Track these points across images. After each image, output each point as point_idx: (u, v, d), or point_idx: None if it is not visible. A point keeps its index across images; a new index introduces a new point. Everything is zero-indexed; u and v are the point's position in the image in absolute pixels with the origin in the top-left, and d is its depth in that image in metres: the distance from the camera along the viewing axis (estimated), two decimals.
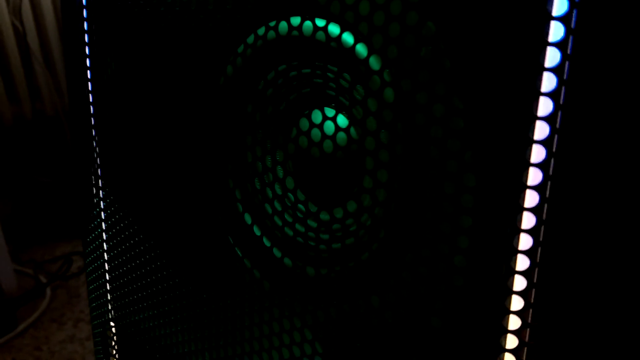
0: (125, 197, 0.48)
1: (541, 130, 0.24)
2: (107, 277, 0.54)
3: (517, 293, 0.26)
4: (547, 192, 0.24)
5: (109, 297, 0.55)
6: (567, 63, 0.22)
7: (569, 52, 0.22)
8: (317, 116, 0.33)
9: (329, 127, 0.32)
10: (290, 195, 0.35)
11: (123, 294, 0.52)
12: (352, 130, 0.31)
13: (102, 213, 0.53)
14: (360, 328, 0.32)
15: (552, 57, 0.23)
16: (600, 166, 0.24)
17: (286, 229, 0.35)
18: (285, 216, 0.36)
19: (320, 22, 0.30)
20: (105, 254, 0.54)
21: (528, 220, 0.25)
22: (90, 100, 0.52)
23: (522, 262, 0.25)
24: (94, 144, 0.52)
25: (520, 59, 0.23)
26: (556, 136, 0.23)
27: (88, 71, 0.52)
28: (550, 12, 0.22)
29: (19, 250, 1.35)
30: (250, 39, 0.34)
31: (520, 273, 0.26)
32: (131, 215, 0.47)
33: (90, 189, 0.54)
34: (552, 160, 0.24)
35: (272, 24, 0.33)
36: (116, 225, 0.50)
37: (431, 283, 0.28)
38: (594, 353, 0.26)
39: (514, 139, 0.24)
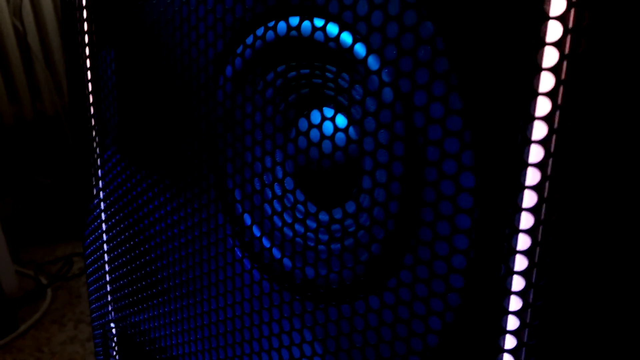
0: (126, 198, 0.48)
1: (539, 130, 0.24)
2: (108, 278, 0.54)
3: (516, 293, 0.26)
4: (545, 192, 0.24)
5: (109, 298, 0.55)
6: (564, 63, 0.22)
7: (566, 51, 0.22)
8: (315, 116, 0.33)
9: (328, 127, 0.32)
10: (289, 195, 0.35)
11: (124, 295, 0.52)
12: (350, 130, 0.31)
13: (103, 214, 0.53)
14: (359, 329, 0.32)
15: (550, 56, 0.23)
16: (598, 166, 0.24)
17: (285, 230, 0.36)
18: (285, 216, 0.36)
19: (319, 22, 0.30)
20: (105, 255, 0.54)
21: (526, 221, 0.25)
22: (90, 100, 0.52)
23: (521, 263, 0.25)
24: (94, 145, 0.52)
25: (518, 59, 0.23)
26: (554, 136, 0.23)
27: (88, 72, 0.52)
28: (547, 12, 0.22)
29: (20, 251, 1.35)
30: (249, 39, 0.34)
31: (518, 273, 0.26)
32: (131, 214, 0.48)
33: (91, 189, 0.54)
34: (550, 161, 0.24)
35: (271, 24, 0.33)
36: (117, 226, 0.50)
37: (429, 283, 0.28)
38: (593, 353, 0.26)
39: (512, 139, 0.24)
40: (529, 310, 0.26)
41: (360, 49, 0.29)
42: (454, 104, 0.25)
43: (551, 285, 0.25)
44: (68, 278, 1.24)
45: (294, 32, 0.32)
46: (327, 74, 0.32)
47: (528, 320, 0.26)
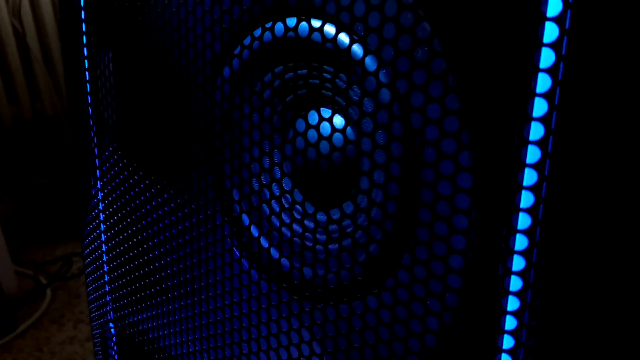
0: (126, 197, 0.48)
1: (536, 131, 0.24)
2: (106, 278, 0.54)
3: (514, 293, 0.26)
4: (543, 193, 0.24)
5: (108, 298, 0.55)
6: (561, 64, 0.23)
7: (563, 52, 0.22)
8: (313, 117, 0.33)
9: (326, 128, 0.32)
10: (287, 196, 0.35)
11: (122, 294, 0.52)
12: (348, 131, 0.31)
13: (101, 214, 0.53)
14: (357, 329, 0.32)
15: (547, 57, 0.23)
16: (595, 167, 0.24)
17: (283, 230, 0.36)
18: (283, 217, 0.36)
19: (316, 23, 0.30)
20: (104, 255, 0.54)
21: (524, 221, 0.25)
22: (89, 101, 0.52)
23: (519, 263, 0.26)
24: (93, 145, 0.52)
25: (515, 59, 0.23)
26: (551, 137, 0.23)
27: (86, 72, 0.52)
28: (544, 12, 0.22)
29: (19, 251, 1.35)
30: (247, 40, 0.34)
31: (516, 273, 0.26)
32: (130, 213, 0.48)
33: (89, 189, 0.54)
34: (548, 161, 0.24)
35: (268, 25, 0.33)
36: (115, 226, 0.50)
37: (427, 284, 0.28)
38: (591, 353, 0.26)
39: (509, 140, 0.24)
40: (527, 310, 0.26)
41: (357, 49, 0.29)
42: (451, 104, 0.25)
43: (549, 286, 0.25)
44: (67, 278, 1.24)
45: (291, 33, 0.32)
46: (324, 74, 0.32)
47: (526, 320, 0.26)
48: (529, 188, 0.24)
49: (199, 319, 0.43)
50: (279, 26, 0.32)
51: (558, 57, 0.22)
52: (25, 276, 1.26)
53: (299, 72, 0.33)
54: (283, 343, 0.37)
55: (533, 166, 0.24)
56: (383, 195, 0.29)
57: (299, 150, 0.34)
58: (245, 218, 0.38)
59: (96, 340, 0.59)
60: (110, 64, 0.47)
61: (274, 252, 0.36)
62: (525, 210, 0.25)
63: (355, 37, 0.29)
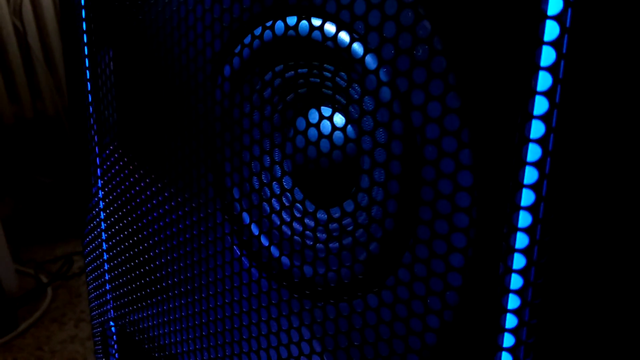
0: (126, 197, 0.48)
1: (537, 129, 0.24)
2: (107, 277, 0.54)
3: (514, 292, 0.26)
4: (544, 191, 0.24)
5: (108, 297, 0.55)
6: (562, 62, 0.22)
7: (563, 51, 0.22)
8: (313, 115, 0.33)
9: (326, 126, 0.32)
10: (288, 194, 0.35)
11: (123, 293, 0.52)
12: (349, 129, 0.31)
13: (102, 212, 0.53)
14: (357, 327, 0.32)
15: (547, 56, 0.23)
16: (596, 165, 0.24)
17: (284, 228, 0.36)
18: (283, 215, 0.36)
19: (317, 22, 0.30)
20: (104, 254, 0.54)
21: (525, 219, 0.25)
22: (90, 99, 0.52)
23: (519, 261, 0.26)
24: (93, 143, 0.52)
25: (516, 58, 0.23)
26: (552, 135, 0.23)
27: (87, 71, 0.52)
28: (545, 10, 0.22)
29: (20, 250, 1.35)
30: (247, 39, 0.34)
31: (517, 272, 0.26)
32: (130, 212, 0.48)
33: (90, 188, 0.54)
34: (548, 159, 0.24)
35: (269, 24, 0.33)
36: (116, 225, 0.50)
37: (428, 282, 0.28)
38: (592, 351, 0.26)
39: (510, 138, 0.24)
40: (528, 308, 0.26)
41: (358, 48, 0.29)
42: (452, 102, 0.25)
43: (549, 284, 0.25)
44: (68, 277, 1.25)
45: (291, 32, 0.32)
46: (325, 73, 0.32)
47: (526, 319, 0.26)
48: (529, 186, 0.24)
49: (199, 317, 0.43)
50: (280, 25, 0.32)
51: (559, 55, 0.22)
52: (26, 275, 1.26)
53: (299, 70, 0.33)
54: (283, 341, 0.37)
55: (534, 164, 0.24)
56: (383, 193, 0.29)
57: (299, 148, 0.34)
58: (245, 216, 0.38)
59: (97, 338, 0.59)
60: (111, 63, 0.47)
61: (275, 251, 0.36)
62: (526, 208, 0.25)
63: (356, 36, 0.29)
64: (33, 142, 1.52)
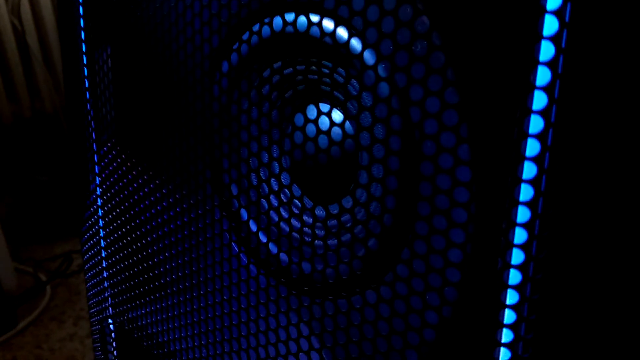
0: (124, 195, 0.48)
1: (536, 123, 0.24)
2: (105, 275, 0.54)
3: (513, 287, 0.26)
4: (543, 186, 0.24)
5: (107, 294, 0.55)
6: (561, 57, 0.22)
7: (563, 45, 0.22)
8: (311, 112, 0.33)
9: (324, 122, 0.32)
10: (286, 190, 0.35)
11: (121, 290, 0.52)
12: (347, 125, 0.31)
13: (100, 210, 0.53)
14: (356, 323, 0.32)
15: (546, 50, 0.23)
16: (595, 160, 0.24)
17: (282, 225, 0.36)
18: (281, 211, 0.36)
19: (315, 18, 0.30)
20: (102, 251, 0.54)
21: (523, 215, 0.25)
22: (87, 97, 0.52)
23: (518, 256, 0.25)
24: (91, 141, 0.52)
25: (515, 53, 0.23)
26: (551, 130, 0.23)
27: (85, 68, 0.52)
28: (544, 5, 0.22)
29: (19, 248, 1.35)
30: (245, 35, 0.34)
31: (515, 267, 0.26)
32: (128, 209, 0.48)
33: (88, 185, 0.54)
34: (547, 154, 0.24)
35: (267, 20, 0.33)
36: (114, 222, 0.50)
37: (426, 278, 0.28)
38: (591, 347, 0.26)
39: (509, 133, 0.24)
40: (527, 304, 0.26)
41: (356, 44, 0.29)
42: (450, 98, 0.25)
43: (548, 279, 0.25)
44: (67, 275, 1.25)
45: (289, 28, 0.32)
46: (323, 69, 0.32)
47: (525, 314, 0.26)
48: (528, 181, 0.24)
49: (197, 314, 0.43)
50: (278, 21, 0.32)
51: (558, 50, 0.22)
52: (25, 273, 1.26)
53: (297, 67, 0.33)
54: (282, 338, 0.37)
55: (533, 159, 0.24)
56: (382, 189, 0.29)
57: (297, 144, 0.34)
58: (243, 213, 0.38)
59: (95, 336, 0.59)
60: (109, 60, 0.47)
61: (273, 247, 0.36)
62: (525, 203, 0.24)
63: (354, 32, 0.29)
64: (31, 141, 1.52)
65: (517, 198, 0.25)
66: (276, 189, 0.36)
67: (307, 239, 0.34)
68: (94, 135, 0.51)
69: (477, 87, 0.25)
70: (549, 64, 0.23)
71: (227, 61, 0.36)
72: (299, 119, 0.34)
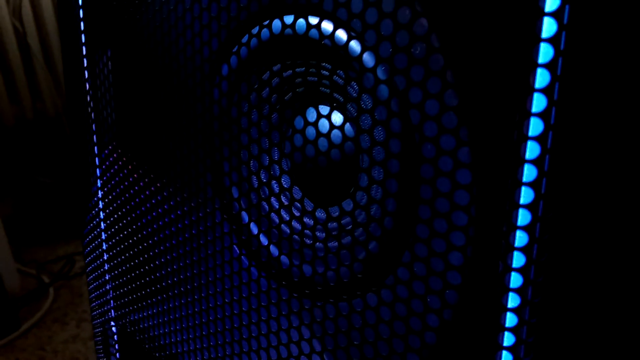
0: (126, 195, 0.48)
1: (535, 126, 0.23)
2: (107, 277, 0.54)
3: (514, 290, 0.26)
4: (543, 189, 0.24)
5: (109, 297, 0.55)
6: (560, 59, 0.22)
7: (561, 47, 0.22)
8: (311, 114, 0.33)
9: (324, 124, 0.32)
10: (287, 193, 0.35)
11: (123, 293, 0.52)
12: (347, 127, 0.31)
13: (101, 212, 0.53)
14: (357, 326, 0.32)
15: (545, 53, 0.22)
16: (595, 162, 0.24)
17: (283, 227, 0.35)
18: (282, 214, 0.36)
19: (314, 20, 0.30)
20: (105, 254, 0.54)
21: (524, 217, 0.25)
22: (88, 99, 0.52)
23: (519, 259, 0.25)
24: (92, 143, 0.52)
25: (514, 55, 0.23)
26: (550, 132, 0.23)
27: (85, 71, 0.52)
28: (542, 7, 0.22)
29: (21, 250, 1.35)
30: (244, 38, 0.34)
31: (516, 270, 0.26)
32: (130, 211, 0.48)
33: (89, 188, 0.54)
34: (547, 157, 0.24)
35: (266, 22, 0.33)
36: (115, 224, 0.50)
37: (427, 281, 0.28)
38: (592, 350, 0.26)
39: (508, 136, 0.24)
40: (528, 307, 0.26)
41: (355, 46, 0.29)
42: (450, 100, 0.25)
43: (549, 282, 0.25)
44: (70, 277, 1.25)
45: (288, 30, 0.32)
46: (322, 71, 0.32)
47: (526, 318, 0.26)
48: (528, 184, 0.24)
49: (199, 316, 0.43)
50: (277, 23, 0.32)
51: (557, 52, 0.22)
52: (27, 275, 1.26)
53: (297, 69, 0.33)
54: (283, 341, 0.37)
55: (533, 162, 0.24)
56: (382, 192, 0.29)
57: (297, 147, 0.34)
58: (244, 215, 0.38)
59: (97, 338, 0.59)
60: (109, 63, 0.47)
61: (274, 250, 0.36)
62: (525, 206, 0.24)
63: (353, 34, 0.29)
64: (33, 143, 1.52)
65: (517, 201, 0.24)
66: (277, 192, 0.36)
67: (307, 241, 0.34)
68: (95, 138, 0.51)
69: (477, 89, 0.25)
70: (548, 66, 0.23)
71: (226, 64, 0.36)
72: (299, 122, 0.34)
